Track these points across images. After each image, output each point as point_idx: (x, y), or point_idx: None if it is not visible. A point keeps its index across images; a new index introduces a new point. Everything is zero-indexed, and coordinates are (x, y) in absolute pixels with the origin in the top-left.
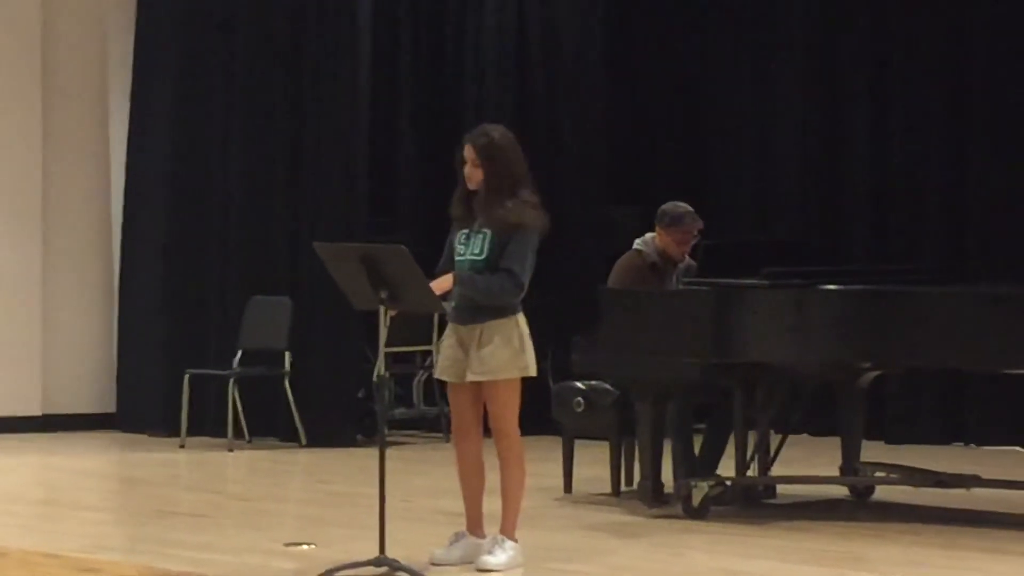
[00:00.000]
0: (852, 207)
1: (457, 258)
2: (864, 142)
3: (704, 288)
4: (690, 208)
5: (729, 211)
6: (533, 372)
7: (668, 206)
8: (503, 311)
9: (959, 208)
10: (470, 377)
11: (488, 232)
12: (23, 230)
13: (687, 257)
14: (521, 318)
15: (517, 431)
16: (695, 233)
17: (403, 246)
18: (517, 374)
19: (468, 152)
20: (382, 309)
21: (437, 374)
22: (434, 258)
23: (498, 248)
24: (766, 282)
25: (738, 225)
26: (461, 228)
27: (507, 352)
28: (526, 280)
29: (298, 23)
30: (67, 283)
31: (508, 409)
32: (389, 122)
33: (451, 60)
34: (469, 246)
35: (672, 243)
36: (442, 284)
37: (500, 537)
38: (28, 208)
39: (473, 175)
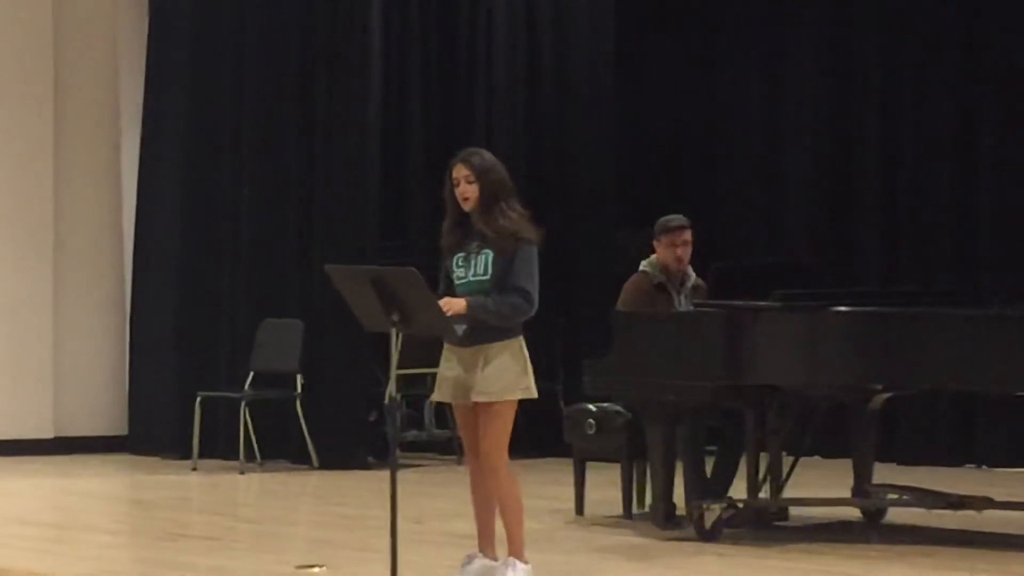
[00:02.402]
0: (863, 229)
1: (459, 282)
2: (875, 163)
3: (715, 310)
4: (679, 216)
5: (740, 233)
6: (534, 394)
7: (659, 220)
8: (508, 332)
9: (971, 229)
10: (475, 397)
11: (489, 252)
12: (35, 254)
13: (694, 274)
14: (522, 340)
15: (505, 453)
16: (686, 238)
17: (414, 269)
18: (520, 395)
19: (461, 171)
20: (393, 332)
21: (437, 397)
22: None
23: (502, 266)
24: (777, 304)
25: (749, 247)
26: (455, 253)
27: (512, 373)
28: (536, 297)
29: (309, 46)
30: (79, 306)
31: (500, 432)
32: (400, 145)
33: (462, 85)
34: (471, 268)
35: (664, 251)
36: (456, 305)
37: (511, 559)
38: (40, 232)
39: (468, 192)
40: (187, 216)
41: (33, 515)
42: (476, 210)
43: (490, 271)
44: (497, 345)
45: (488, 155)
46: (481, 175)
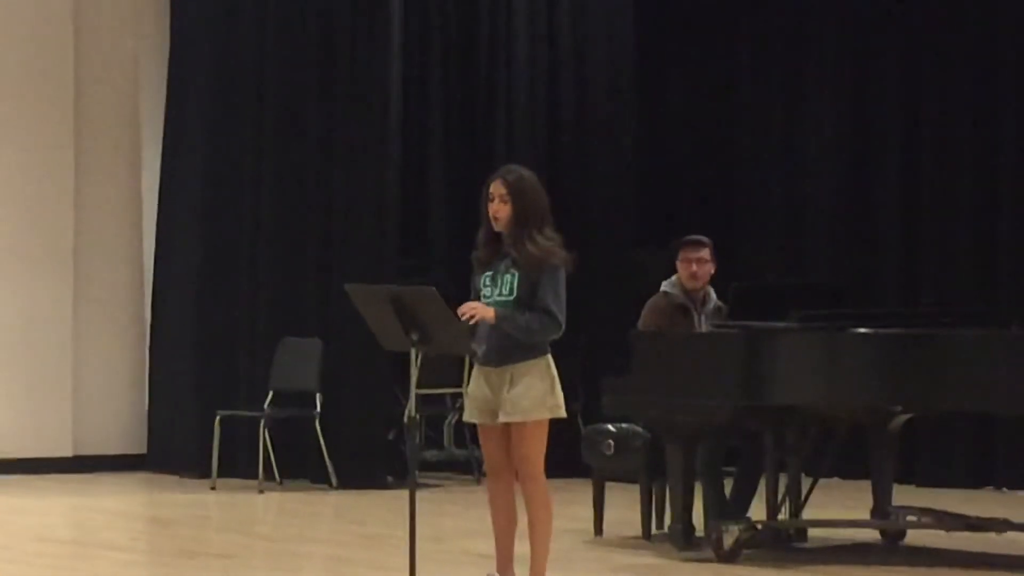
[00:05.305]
0: (883, 250)
1: (484, 301)
2: (895, 183)
3: (734, 331)
4: (700, 236)
5: (759, 254)
6: (563, 413)
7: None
8: (534, 352)
9: (991, 251)
10: (502, 418)
11: (516, 273)
12: (54, 271)
13: (715, 296)
14: (550, 359)
15: (543, 473)
16: (702, 255)
17: (433, 288)
18: (548, 415)
19: (497, 188)
20: (413, 351)
21: (466, 417)
22: (465, 299)
23: (528, 288)
24: (797, 325)
25: (768, 268)
26: (484, 271)
27: (538, 393)
28: (563, 319)
29: (329, 63)
30: (98, 324)
31: (535, 451)
32: (420, 163)
33: (482, 103)
34: (497, 287)
35: (680, 269)
36: (484, 310)
37: None
38: (60, 249)
39: (500, 212)
40: (207, 233)
41: (52, 532)
42: (507, 230)
43: (515, 292)
44: (524, 364)
45: (529, 176)
46: (516, 196)
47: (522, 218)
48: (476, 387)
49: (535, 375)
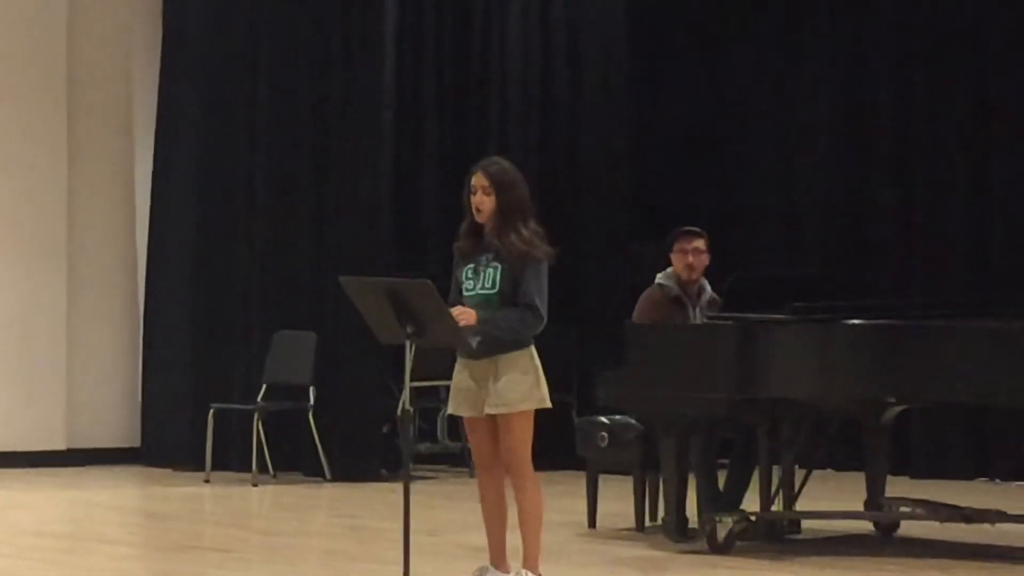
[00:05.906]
0: (877, 241)
1: (467, 294)
2: (889, 176)
3: (729, 323)
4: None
5: (754, 246)
6: (548, 404)
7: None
8: (518, 344)
9: (985, 242)
10: (488, 410)
11: (499, 266)
12: (48, 264)
13: (709, 288)
14: (534, 350)
15: (530, 463)
16: (697, 246)
17: (429, 281)
18: (534, 406)
19: (479, 180)
20: (407, 344)
21: (451, 410)
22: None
23: (510, 281)
24: (791, 317)
25: (763, 259)
26: (467, 263)
27: (524, 384)
28: (545, 313)
29: (322, 58)
30: (92, 317)
31: (522, 442)
32: (414, 157)
33: (475, 95)
34: (479, 280)
35: (675, 258)
36: (468, 315)
37: (524, 571)
38: (53, 242)
39: (483, 204)
40: (201, 227)
41: (46, 526)
42: (489, 222)
43: (498, 285)
44: (508, 356)
45: (511, 168)
46: (499, 189)
47: (505, 211)
48: (460, 379)
49: (519, 367)
